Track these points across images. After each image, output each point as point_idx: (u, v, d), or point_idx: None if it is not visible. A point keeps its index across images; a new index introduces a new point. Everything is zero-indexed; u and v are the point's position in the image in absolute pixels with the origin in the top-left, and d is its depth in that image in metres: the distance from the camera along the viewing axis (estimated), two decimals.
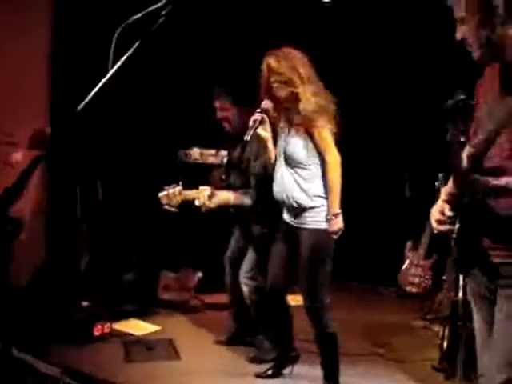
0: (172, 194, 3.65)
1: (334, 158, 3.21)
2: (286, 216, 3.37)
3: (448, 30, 2.10)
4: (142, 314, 4.44)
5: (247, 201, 3.79)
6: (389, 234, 5.42)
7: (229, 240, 4.67)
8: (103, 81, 1.76)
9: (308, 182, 3.24)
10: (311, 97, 3.17)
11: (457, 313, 3.83)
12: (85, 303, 4.02)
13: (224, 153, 4.65)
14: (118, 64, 1.75)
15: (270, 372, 3.65)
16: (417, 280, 5.12)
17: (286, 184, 3.27)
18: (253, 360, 3.89)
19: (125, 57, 1.75)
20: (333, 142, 3.23)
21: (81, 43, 5.04)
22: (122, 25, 1.78)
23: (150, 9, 1.76)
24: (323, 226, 3.24)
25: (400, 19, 5.36)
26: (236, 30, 5.37)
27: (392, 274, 5.28)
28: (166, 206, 3.72)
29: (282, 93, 3.24)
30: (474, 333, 2.29)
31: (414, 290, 5.12)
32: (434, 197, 5.15)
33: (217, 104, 4.00)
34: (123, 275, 4.47)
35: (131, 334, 4.13)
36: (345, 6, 5.47)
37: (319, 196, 3.27)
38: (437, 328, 4.36)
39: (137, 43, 1.75)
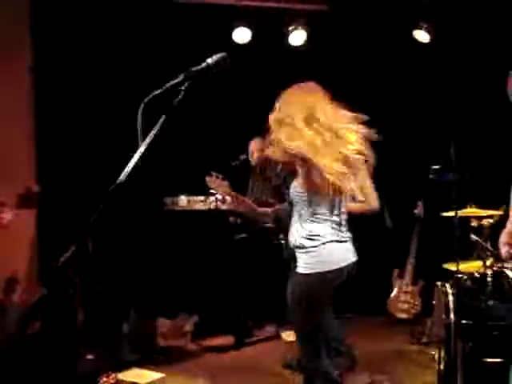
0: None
1: None
2: None
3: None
4: (144, 363, 4.50)
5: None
6: (374, 264, 5.58)
7: (222, 283, 4.81)
8: (136, 157, 1.85)
9: None
10: None
11: (450, 335, 3.99)
12: (89, 356, 4.08)
13: (212, 198, 4.82)
14: (148, 140, 1.87)
15: None
16: (406, 306, 5.31)
17: None
18: None
19: (153, 133, 1.88)
20: None
21: (63, 96, 5.15)
22: (145, 100, 1.91)
23: (168, 84, 1.90)
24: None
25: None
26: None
27: (380, 302, 5.45)
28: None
29: None
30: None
31: (404, 316, 5.31)
32: (413, 224, 5.43)
33: None
34: (122, 326, 4.54)
35: None
36: None
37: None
38: (432, 351, 4.49)
39: (162, 119, 1.88)
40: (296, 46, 5.46)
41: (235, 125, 5.38)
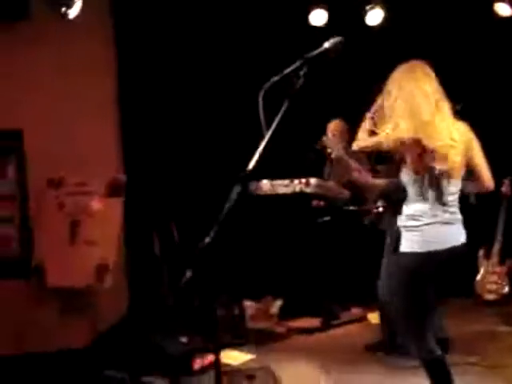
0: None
1: None
2: None
3: None
4: (234, 345, 4.60)
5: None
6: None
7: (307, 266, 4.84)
8: (263, 144, 1.89)
9: None
10: None
11: None
12: (183, 339, 4.20)
13: (296, 182, 4.84)
14: (273, 126, 1.91)
15: None
16: (494, 287, 5.21)
17: None
18: None
19: (277, 119, 1.92)
20: None
21: (146, 87, 5.27)
22: (264, 86, 1.96)
23: (287, 70, 1.94)
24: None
25: None
26: None
27: (467, 284, 5.37)
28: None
29: None
30: None
31: (492, 297, 5.21)
32: (500, 203, 5.30)
33: None
34: (216, 309, 4.63)
35: (229, 365, 4.29)
36: None
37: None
38: None
39: (285, 104, 1.92)
40: (373, 26, 5.39)
41: (315, 108, 5.37)
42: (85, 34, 5.10)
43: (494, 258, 5.24)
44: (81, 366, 4.49)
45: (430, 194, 2.90)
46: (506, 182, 5.24)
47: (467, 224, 5.66)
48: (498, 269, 5.23)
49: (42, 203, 5.05)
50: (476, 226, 5.30)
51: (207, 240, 1.75)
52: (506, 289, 5.19)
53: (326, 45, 2.00)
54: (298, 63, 1.95)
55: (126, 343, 4.46)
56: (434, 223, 2.88)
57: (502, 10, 5.23)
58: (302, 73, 1.93)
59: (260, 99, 1.93)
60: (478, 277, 5.29)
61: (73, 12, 4.63)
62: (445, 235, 2.91)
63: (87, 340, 4.65)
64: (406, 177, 2.93)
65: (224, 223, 1.71)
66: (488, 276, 5.24)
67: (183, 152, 5.40)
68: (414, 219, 2.92)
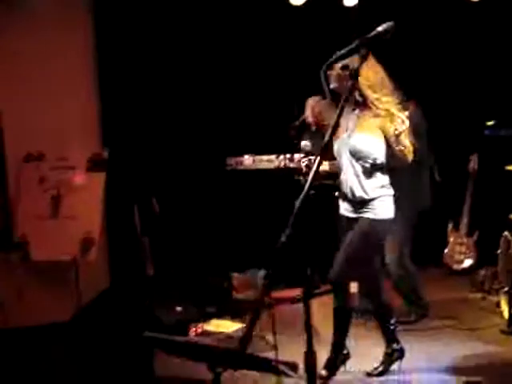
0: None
1: None
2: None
3: None
4: (223, 315, 4.73)
5: None
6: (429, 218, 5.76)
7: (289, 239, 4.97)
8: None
9: None
10: None
11: None
12: (178, 308, 4.30)
13: (281, 157, 4.98)
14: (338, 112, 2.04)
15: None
16: (462, 257, 5.53)
17: None
18: None
19: (342, 101, 2.06)
20: None
21: (126, 62, 5.27)
22: (323, 68, 2.10)
23: (342, 51, 2.08)
24: None
25: None
26: None
27: (435, 254, 5.67)
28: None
29: None
30: None
31: (461, 266, 5.53)
32: (467, 179, 5.59)
33: None
34: (206, 281, 4.76)
35: (223, 332, 4.41)
36: None
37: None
38: (495, 298, 4.73)
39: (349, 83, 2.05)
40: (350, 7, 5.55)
41: (293, 85, 5.50)
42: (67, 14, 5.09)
43: (463, 231, 5.55)
44: (65, 340, 4.51)
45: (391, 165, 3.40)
46: (473, 158, 5.54)
47: (437, 199, 5.97)
48: (465, 240, 5.55)
49: (21, 178, 5.02)
50: (445, 201, 5.65)
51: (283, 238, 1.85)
52: (473, 259, 5.52)
53: (380, 28, 2.13)
54: (353, 45, 2.08)
55: (113, 314, 4.50)
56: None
57: None
58: (360, 55, 2.05)
59: (322, 76, 2.06)
60: (447, 248, 5.60)
61: None
62: None
63: (70, 314, 4.67)
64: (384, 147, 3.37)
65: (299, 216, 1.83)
66: (456, 247, 5.56)
67: (163, 126, 5.44)
68: (389, 188, 3.47)
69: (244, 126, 5.52)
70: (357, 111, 3.46)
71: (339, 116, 1.98)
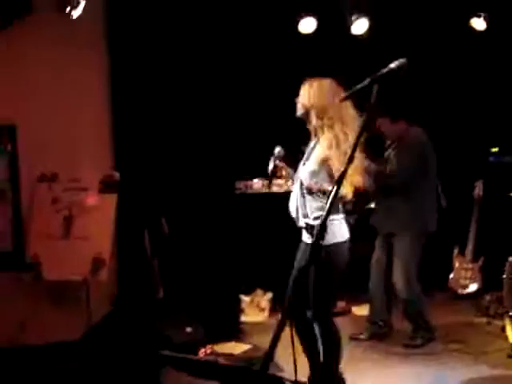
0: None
1: None
2: None
3: None
4: (230, 336, 4.78)
5: None
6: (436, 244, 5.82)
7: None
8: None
9: None
10: None
11: None
12: (188, 329, 4.36)
13: (289, 182, 5.06)
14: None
15: None
16: (467, 282, 5.59)
17: None
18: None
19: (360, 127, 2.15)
20: None
21: (139, 89, 5.38)
22: (347, 93, 2.22)
23: (356, 88, 2.16)
24: None
25: None
26: None
27: (441, 279, 5.74)
28: None
29: None
30: None
31: (465, 291, 5.59)
32: (472, 205, 5.67)
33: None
34: (216, 303, 4.81)
35: (231, 354, 4.47)
36: None
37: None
38: (500, 322, 4.78)
39: (365, 117, 2.16)
40: (358, 35, 5.68)
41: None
42: (80, 32, 5.19)
43: (468, 256, 5.62)
44: (76, 358, 4.57)
45: None
46: (478, 184, 5.63)
47: (443, 224, 6.06)
48: (470, 265, 5.61)
49: (35, 198, 5.11)
50: (451, 226, 5.72)
51: None
52: (478, 284, 5.57)
53: (392, 65, 2.15)
54: (366, 82, 2.15)
55: (122, 335, 4.57)
56: None
57: (477, 24, 5.65)
58: (374, 91, 2.11)
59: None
60: (453, 273, 5.67)
61: (77, 12, 4.72)
62: None
63: (81, 333, 4.74)
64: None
65: None
66: (462, 272, 5.62)
67: (174, 149, 5.54)
68: (341, 212, 3.49)
69: (254, 150, 5.61)
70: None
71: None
